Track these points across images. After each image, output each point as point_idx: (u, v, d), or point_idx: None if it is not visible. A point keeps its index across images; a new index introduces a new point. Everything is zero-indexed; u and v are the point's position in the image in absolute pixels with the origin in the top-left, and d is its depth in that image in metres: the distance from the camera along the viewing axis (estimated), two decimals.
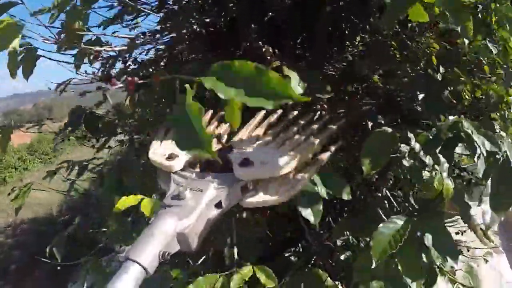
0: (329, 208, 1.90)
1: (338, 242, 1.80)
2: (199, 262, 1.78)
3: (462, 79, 1.54)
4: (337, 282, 1.46)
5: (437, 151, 1.06)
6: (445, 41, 1.61)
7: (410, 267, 1.07)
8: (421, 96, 1.44)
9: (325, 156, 0.92)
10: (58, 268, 1.88)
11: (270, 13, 1.53)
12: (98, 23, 1.91)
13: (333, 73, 1.71)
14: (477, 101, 1.67)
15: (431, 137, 1.08)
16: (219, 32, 1.73)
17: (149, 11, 1.90)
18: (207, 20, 1.67)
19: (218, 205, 0.77)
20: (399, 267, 1.07)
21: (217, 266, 1.49)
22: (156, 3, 1.94)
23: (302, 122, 1.01)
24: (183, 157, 0.88)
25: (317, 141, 0.91)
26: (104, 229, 2.26)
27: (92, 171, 2.52)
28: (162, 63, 1.91)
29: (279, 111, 1.04)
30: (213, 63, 0.64)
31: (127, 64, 1.90)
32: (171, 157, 0.89)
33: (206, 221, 0.75)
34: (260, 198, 0.81)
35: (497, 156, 0.94)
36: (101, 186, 2.20)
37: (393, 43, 1.63)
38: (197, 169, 0.89)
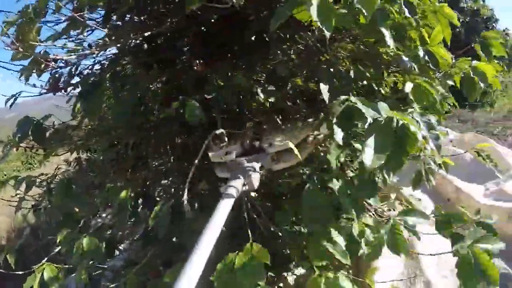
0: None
1: None
2: None
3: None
4: None
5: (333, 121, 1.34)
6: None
7: None
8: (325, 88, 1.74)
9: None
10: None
11: (203, 28, 1.70)
12: (47, 37, 1.99)
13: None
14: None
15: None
16: (158, 45, 1.88)
17: (94, 26, 2.00)
18: (148, 34, 1.81)
19: (261, 167, 1.56)
20: None
21: None
22: (101, 18, 2.06)
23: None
24: (233, 152, 1.67)
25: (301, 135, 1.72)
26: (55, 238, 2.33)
27: (40, 186, 2.58)
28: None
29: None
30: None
31: (73, 75, 2.00)
32: (227, 153, 1.68)
33: (259, 174, 1.52)
34: (282, 163, 1.66)
35: (379, 119, 1.20)
36: (49, 196, 2.28)
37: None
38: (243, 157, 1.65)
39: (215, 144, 1.81)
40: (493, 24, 14.17)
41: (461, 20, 13.07)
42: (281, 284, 2.57)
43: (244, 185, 1.45)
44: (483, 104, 12.93)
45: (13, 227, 8.59)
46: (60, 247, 2.05)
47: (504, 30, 14.08)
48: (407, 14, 1.57)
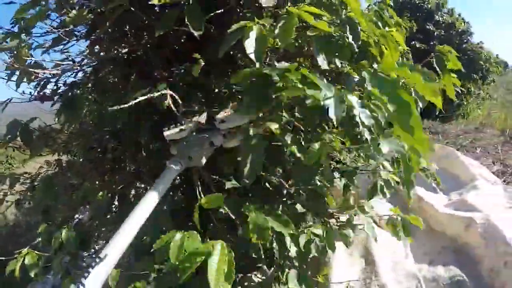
0: None
1: None
2: None
3: None
4: None
5: None
6: None
7: None
8: None
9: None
10: None
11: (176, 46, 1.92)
12: (35, 46, 2.17)
13: None
14: None
15: None
16: (138, 56, 2.09)
17: (76, 42, 2.20)
18: (127, 47, 2.01)
19: (211, 144, 1.64)
20: None
21: None
22: (85, 31, 2.25)
23: None
24: (187, 129, 1.68)
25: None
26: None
27: (23, 183, 2.77)
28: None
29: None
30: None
31: (58, 86, 2.20)
32: (181, 131, 1.67)
33: (207, 151, 1.63)
34: (233, 141, 1.69)
35: None
36: (32, 192, 2.47)
37: None
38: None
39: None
40: (468, 38, 14.36)
41: (435, 33, 13.43)
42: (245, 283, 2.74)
43: (190, 159, 1.56)
44: (457, 116, 13.23)
45: None
46: (39, 239, 2.23)
47: (478, 44, 14.41)
48: (350, 40, 1.77)
